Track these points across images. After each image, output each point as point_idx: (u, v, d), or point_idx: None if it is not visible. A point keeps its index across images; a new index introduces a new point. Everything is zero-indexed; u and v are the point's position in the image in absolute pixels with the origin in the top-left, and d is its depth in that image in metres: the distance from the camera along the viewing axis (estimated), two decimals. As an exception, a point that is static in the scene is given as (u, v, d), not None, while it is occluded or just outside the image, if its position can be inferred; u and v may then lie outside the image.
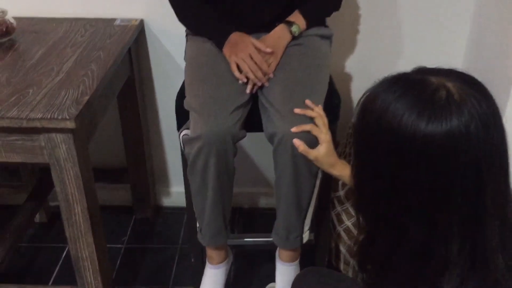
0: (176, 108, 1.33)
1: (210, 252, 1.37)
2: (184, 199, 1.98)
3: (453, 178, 0.65)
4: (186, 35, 1.47)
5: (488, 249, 0.68)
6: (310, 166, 1.20)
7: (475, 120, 0.64)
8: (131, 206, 1.99)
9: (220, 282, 1.38)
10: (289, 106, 1.18)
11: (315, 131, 1.16)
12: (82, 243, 1.36)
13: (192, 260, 1.55)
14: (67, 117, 1.16)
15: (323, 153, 1.15)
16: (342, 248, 1.70)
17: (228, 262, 1.41)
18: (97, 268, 1.40)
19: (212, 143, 1.16)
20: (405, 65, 1.67)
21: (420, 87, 0.67)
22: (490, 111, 0.66)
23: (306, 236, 1.35)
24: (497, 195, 0.67)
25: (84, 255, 1.38)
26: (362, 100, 0.74)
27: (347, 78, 1.76)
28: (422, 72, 0.71)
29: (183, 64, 1.72)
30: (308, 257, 1.51)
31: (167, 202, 2.04)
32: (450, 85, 0.66)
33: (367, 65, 1.72)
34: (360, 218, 0.82)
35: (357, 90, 1.76)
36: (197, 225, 1.35)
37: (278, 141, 1.18)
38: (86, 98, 1.24)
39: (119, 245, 1.88)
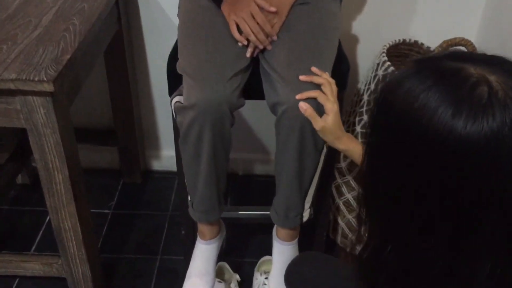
0: (168, 71, 1.20)
1: (202, 228, 1.28)
2: (175, 163, 1.91)
3: (490, 188, 0.54)
4: (181, -12, 1.33)
5: None
6: (316, 140, 1.09)
7: None
8: (119, 169, 1.89)
9: (212, 258, 1.30)
10: (295, 73, 1.07)
11: (321, 99, 1.05)
12: (64, 213, 1.27)
13: (183, 232, 1.47)
14: (45, 79, 1.04)
15: (331, 123, 1.05)
16: (341, 222, 1.63)
17: (221, 237, 1.33)
18: (81, 239, 1.31)
19: (207, 113, 1.04)
20: (417, 31, 1.59)
21: (456, 79, 0.55)
22: None
23: (306, 215, 1.26)
24: None
25: (66, 226, 1.29)
26: (382, 87, 0.62)
27: (353, 41, 1.63)
28: (457, 58, 0.58)
29: (177, 20, 1.60)
30: (306, 233, 1.42)
31: (157, 166, 1.94)
32: (492, 78, 0.54)
33: (376, 28, 1.59)
34: (365, 221, 0.71)
35: (364, 55, 1.64)
36: (189, 198, 1.25)
37: (282, 112, 1.06)
38: (67, 57, 1.11)
39: (106, 211, 1.78)
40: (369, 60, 1.54)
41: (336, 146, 1.10)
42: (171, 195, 1.86)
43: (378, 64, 1.42)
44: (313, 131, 1.06)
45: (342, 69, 1.18)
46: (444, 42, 1.49)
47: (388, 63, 1.37)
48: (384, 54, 1.41)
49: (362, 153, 0.67)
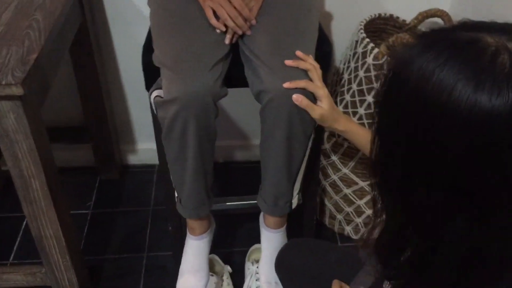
0: (143, 64, 1.14)
1: (192, 223, 1.23)
2: (153, 156, 1.85)
3: None
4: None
5: None
6: (305, 126, 1.06)
7: None
8: (94, 166, 1.82)
9: (204, 253, 1.26)
10: (279, 58, 1.02)
11: (311, 87, 1.01)
12: (44, 220, 1.20)
13: (170, 228, 1.42)
14: (12, 82, 0.97)
15: (327, 109, 1.02)
16: (328, 203, 1.61)
17: (211, 231, 1.29)
18: (64, 245, 1.25)
19: (191, 106, 0.99)
20: (391, 5, 1.56)
21: (473, 50, 0.51)
22: None
23: (295, 202, 1.23)
24: None
25: (48, 234, 1.23)
26: (391, 65, 0.58)
27: (328, 19, 1.59)
28: (470, 28, 0.55)
29: (144, 7, 1.52)
30: (295, 217, 1.40)
31: (134, 160, 1.88)
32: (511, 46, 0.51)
33: (351, 4, 1.55)
34: (378, 201, 0.68)
35: (340, 33, 1.59)
36: (175, 194, 1.21)
37: (268, 100, 1.02)
38: (34, 56, 1.04)
39: (85, 211, 1.72)
40: (345, 37, 1.50)
41: (335, 129, 1.07)
42: (151, 189, 1.81)
43: (356, 41, 1.38)
44: (302, 118, 1.03)
45: (325, 51, 1.15)
46: (419, 14, 1.46)
47: (367, 39, 1.34)
48: (362, 31, 1.38)
49: (370, 138, 0.64)
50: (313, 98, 1.03)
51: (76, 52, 1.51)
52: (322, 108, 1.02)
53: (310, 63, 1.03)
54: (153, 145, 1.82)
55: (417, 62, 0.54)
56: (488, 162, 0.51)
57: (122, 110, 1.77)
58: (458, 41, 0.53)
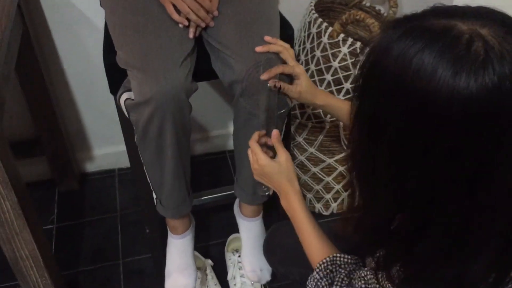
0: (106, 66, 1.10)
1: (174, 223, 1.22)
2: (112, 161, 1.81)
3: (497, 144, 0.53)
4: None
5: None
6: (281, 112, 1.07)
7: None
8: (51, 179, 1.75)
9: (189, 250, 1.25)
10: (248, 46, 1.02)
11: (287, 70, 1.02)
12: (18, 242, 1.15)
13: (147, 231, 1.40)
14: (-26, 102, 0.91)
15: (305, 85, 1.03)
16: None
17: (193, 227, 1.28)
18: (42, 264, 1.21)
19: (166, 105, 0.97)
20: None
21: (448, 38, 0.53)
22: None
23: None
24: None
25: (23, 254, 1.18)
26: (369, 53, 0.59)
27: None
28: (443, 14, 0.56)
29: (86, 9, 1.47)
30: (266, 203, 1.41)
31: (91, 167, 1.82)
32: (485, 32, 0.53)
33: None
34: (358, 189, 0.68)
35: (290, 15, 1.61)
36: (154, 195, 1.19)
37: (243, 89, 1.02)
38: (-11, 72, 0.98)
39: (49, 226, 1.66)
40: (295, 19, 1.52)
41: (314, 104, 1.08)
42: (115, 194, 1.76)
43: (309, 22, 1.41)
44: (277, 104, 1.04)
45: (287, 34, 1.16)
46: (363, -11, 1.51)
47: (320, 19, 1.37)
48: (313, 11, 1.40)
49: (349, 112, 0.64)
50: (287, 79, 1.04)
51: (20, 62, 1.44)
52: (300, 86, 1.03)
53: (280, 45, 1.03)
54: (110, 150, 1.80)
55: (396, 49, 0.55)
56: (469, 144, 0.53)
57: (74, 117, 1.70)
58: (432, 29, 0.54)
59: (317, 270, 0.84)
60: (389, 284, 0.66)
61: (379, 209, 0.65)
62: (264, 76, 1.00)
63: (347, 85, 1.37)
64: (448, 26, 0.54)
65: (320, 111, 1.51)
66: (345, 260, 0.83)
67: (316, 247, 0.87)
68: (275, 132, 0.95)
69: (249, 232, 1.32)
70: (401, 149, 0.57)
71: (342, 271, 0.81)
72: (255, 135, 0.97)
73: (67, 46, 1.54)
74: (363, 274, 0.74)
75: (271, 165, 0.92)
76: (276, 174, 0.92)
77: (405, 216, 0.63)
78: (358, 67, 0.62)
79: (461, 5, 0.58)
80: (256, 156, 0.94)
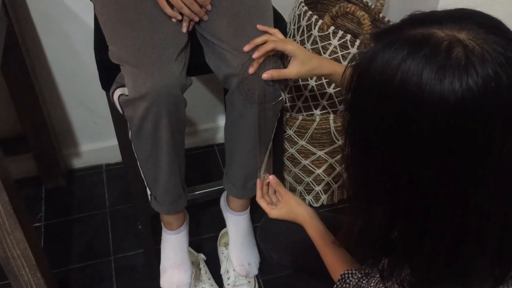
0: (98, 63, 1.08)
1: (168, 219, 1.22)
2: (99, 157, 1.79)
3: (489, 145, 0.54)
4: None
5: None
6: (275, 105, 1.07)
7: (505, 69, 0.52)
8: (37, 176, 1.73)
9: (184, 246, 1.25)
10: (243, 40, 1.02)
11: (279, 46, 1.01)
12: (10, 242, 1.13)
13: (140, 227, 1.39)
14: (-35, 100, 0.89)
15: (301, 61, 1.02)
16: (287, 176, 1.65)
17: (187, 222, 1.28)
18: (34, 264, 1.19)
19: (161, 101, 0.96)
20: None
21: (427, 48, 0.53)
22: None
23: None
24: None
25: (15, 254, 1.16)
26: (354, 69, 0.59)
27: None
28: (420, 23, 0.56)
29: (71, 2, 1.44)
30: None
31: (78, 164, 1.80)
32: (463, 36, 0.53)
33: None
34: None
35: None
36: (148, 192, 1.18)
37: (238, 83, 1.02)
38: (-21, 69, 0.96)
39: (37, 224, 1.63)
40: (285, 12, 1.51)
41: (320, 74, 1.08)
42: (103, 190, 1.74)
43: (299, 15, 1.41)
44: (273, 98, 1.03)
45: (281, 27, 1.15)
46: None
47: (310, 12, 1.37)
48: (303, 4, 1.40)
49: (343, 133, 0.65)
50: (281, 66, 1.03)
51: (5, 58, 1.41)
52: (295, 66, 1.03)
53: (272, 31, 1.05)
54: (97, 145, 1.78)
55: (380, 60, 0.55)
56: (460, 146, 0.54)
57: (60, 113, 1.68)
58: (410, 39, 0.55)
59: None
60: None
61: (377, 221, 0.65)
62: (255, 55, 1.00)
63: (338, 78, 1.37)
64: (426, 35, 0.54)
65: (311, 103, 1.52)
66: (354, 274, 0.85)
67: (332, 269, 0.93)
68: (272, 179, 1.04)
69: (237, 226, 1.32)
70: (392, 158, 0.58)
71: (351, 287, 0.82)
72: (258, 192, 1.06)
73: (53, 41, 1.51)
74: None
75: (279, 213, 1.03)
76: (287, 215, 1.02)
77: (403, 225, 0.63)
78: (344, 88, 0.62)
79: (438, 11, 0.58)
80: (266, 211, 1.05)
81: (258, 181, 1.04)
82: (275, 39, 1.03)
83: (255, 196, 1.06)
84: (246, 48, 1.02)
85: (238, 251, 1.32)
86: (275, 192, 1.07)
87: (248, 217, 1.33)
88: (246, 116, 1.07)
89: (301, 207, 1.01)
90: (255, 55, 1.00)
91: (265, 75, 1.00)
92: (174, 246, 1.23)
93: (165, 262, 1.24)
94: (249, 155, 1.16)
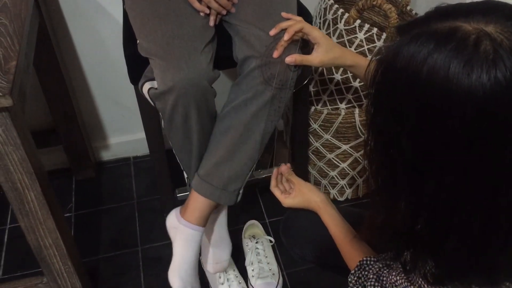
0: (127, 57, 1.11)
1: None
2: (127, 149, 1.83)
3: None
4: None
5: None
6: (286, 95, 1.08)
7: None
8: (68, 167, 1.77)
9: (223, 223, 1.26)
10: (269, 24, 1.03)
11: (306, 27, 1.02)
12: (42, 231, 1.17)
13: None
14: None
15: (324, 49, 1.03)
16: (312, 170, 1.65)
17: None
18: (65, 253, 1.23)
19: (189, 93, 0.98)
20: None
21: (454, 42, 0.52)
22: None
23: (240, 194, 1.20)
24: None
25: (47, 243, 1.20)
26: (378, 64, 0.59)
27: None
28: (445, 16, 0.55)
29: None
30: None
31: (107, 156, 1.84)
32: (491, 29, 0.52)
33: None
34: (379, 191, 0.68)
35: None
36: (185, 175, 1.19)
37: (260, 64, 1.02)
38: (14, 63, 0.99)
39: (67, 214, 1.68)
40: (310, 6, 1.52)
41: (342, 65, 1.08)
42: (131, 182, 1.78)
43: (325, 8, 1.41)
44: (290, 86, 1.04)
45: (307, 21, 1.15)
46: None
47: (336, 5, 1.37)
48: (329, -2, 1.40)
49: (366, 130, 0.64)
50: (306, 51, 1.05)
51: (37, 53, 1.45)
52: (319, 53, 1.03)
53: (297, 18, 1.06)
54: (125, 138, 1.81)
55: (406, 54, 0.55)
56: (489, 141, 0.53)
57: (89, 107, 1.72)
58: (438, 33, 0.54)
59: (349, 281, 0.87)
60: (423, 282, 0.67)
61: (399, 215, 0.65)
62: (285, 37, 1.01)
63: (363, 72, 1.37)
64: (453, 28, 0.53)
65: (336, 97, 1.52)
66: (372, 262, 0.85)
67: (348, 256, 0.93)
68: (284, 169, 1.05)
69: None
70: (418, 153, 0.57)
71: (371, 276, 0.82)
72: (273, 181, 1.06)
73: (83, 36, 1.54)
74: (393, 280, 0.74)
75: (293, 202, 1.04)
76: (301, 203, 1.04)
77: (428, 218, 0.63)
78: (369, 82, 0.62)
79: (464, 3, 0.57)
80: (279, 200, 1.06)
81: (275, 171, 1.04)
82: (302, 24, 1.04)
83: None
84: (272, 32, 1.03)
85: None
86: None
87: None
88: (261, 96, 1.05)
89: (314, 194, 1.02)
90: (286, 37, 1.01)
91: (289, 59, 1.01)
92: (212, 223, 1.24)
93: (203, 240, 1.25)
94: (247, 151, 1.11)
